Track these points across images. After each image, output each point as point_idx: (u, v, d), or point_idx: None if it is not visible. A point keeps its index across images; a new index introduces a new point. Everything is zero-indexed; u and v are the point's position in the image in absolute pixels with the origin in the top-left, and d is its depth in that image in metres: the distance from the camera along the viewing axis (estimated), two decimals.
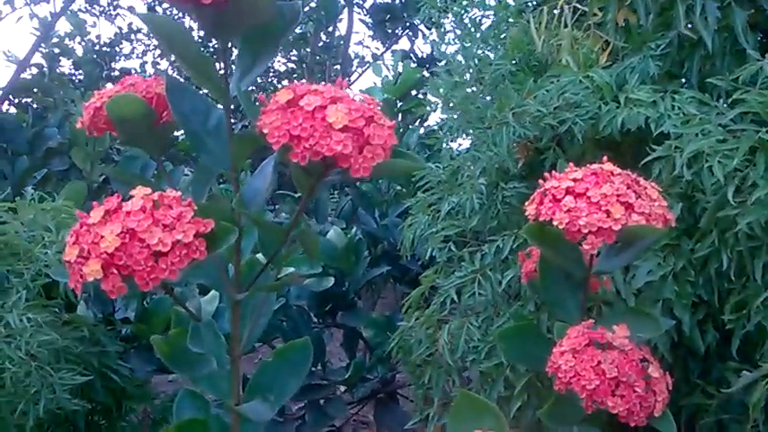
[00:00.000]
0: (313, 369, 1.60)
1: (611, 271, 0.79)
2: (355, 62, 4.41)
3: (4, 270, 0.84)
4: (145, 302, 1.15)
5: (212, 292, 1.08)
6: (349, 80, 3.95)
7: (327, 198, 2.03)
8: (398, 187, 1.69)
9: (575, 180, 0.66)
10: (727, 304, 0.83)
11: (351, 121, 0.50)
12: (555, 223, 0.65)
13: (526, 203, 0.70)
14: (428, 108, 1.05)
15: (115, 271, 0.50)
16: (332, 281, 1.55)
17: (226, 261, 0.67)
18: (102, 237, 0.50)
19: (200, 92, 0.66)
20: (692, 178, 0.76)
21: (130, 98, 0.61)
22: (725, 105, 0.78)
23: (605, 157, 0.67)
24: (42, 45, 3.81)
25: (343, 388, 1.68)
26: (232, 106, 0.61)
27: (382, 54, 3.91)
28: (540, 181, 0.69)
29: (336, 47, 4.02)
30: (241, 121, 2.49)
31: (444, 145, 1.19)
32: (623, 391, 0.63)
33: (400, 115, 2.08)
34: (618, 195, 0.63)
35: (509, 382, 0.87)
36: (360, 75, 4.19)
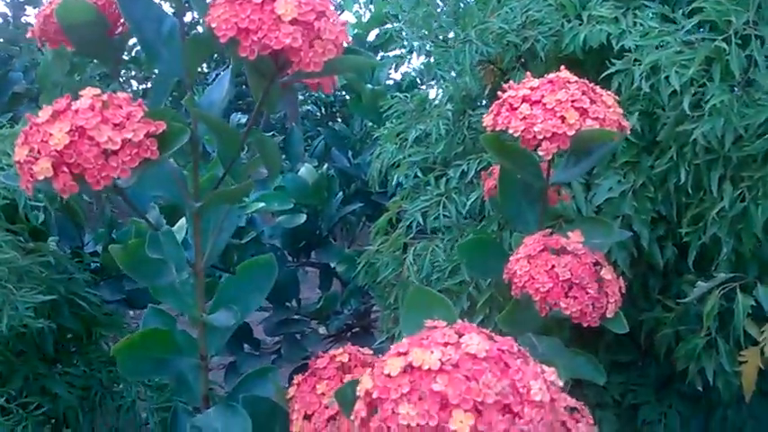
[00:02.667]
0: (288, 305, 1.62)
1: (569, 181, 0.81)
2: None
3: None
4: (113, 235, 1.15)
5: (180, 221, 1.08)
6: None
7: (301, 139, 2.01)
8: (370, 124, 1.68)
9: (531, 88, 0.67)
10: (684, 218, 0.85)
11: (300, 15, 0.49)
12: (510, 131, 0.65)
13: (485, 115, 0.70)
14: (394, 37, 1.03)
15: (66, 169, 0.50)
16: (304, 217, 1.55)
17: (184, 175, 0.67)
18: (51, 135, 0.50)
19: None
20: (649, 91, 0.77)
21: (80, 3, 0.60)
22: (683, 16, 0.78)
23: (563, 66, 0.68)
24: None
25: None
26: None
27: None
28: (499, 92, 0.70)
29: None
30: None
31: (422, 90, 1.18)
32: (576, 293, 0.64)
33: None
34: (573, 101, 0.64)
35: (472, 298, 0.89)
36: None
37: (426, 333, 0.47)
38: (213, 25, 0.49)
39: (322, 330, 1.78)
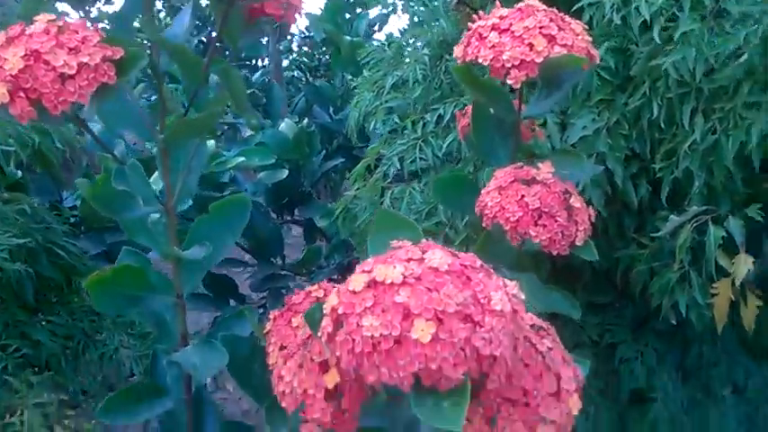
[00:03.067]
0: (273, 261, 1.62)
1: (542, 114, 0.81)
2: None
3: None
4: None
5: (155, 173, 1.07)
6: None
7: (283, 97, 2.00)
8: (350, 77, 1.67)
9: (500, 17, 0.66)
10: (657, 154, 0.85)
11: None
12: (480, 60, 0.65)
13: (455, 46, 0.70)
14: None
15: (22, 94, 0.49)
16: (285, 173, 1.55)
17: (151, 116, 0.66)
18: (5, 60, 0.49)
19: None
20: (621, 24, 0.77)
21: None
22: None
23: None
24: None
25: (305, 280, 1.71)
26: None
27: None
28: (469, 23, 0.69)
29: None
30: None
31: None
32: (545, 221, 0.65)
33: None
34: (541, 27, 0.63)
35: (448, 239, 0.90)
36: None
37: (391, 252, 0.47)
38: None
39: (304, 280, 1.79)
